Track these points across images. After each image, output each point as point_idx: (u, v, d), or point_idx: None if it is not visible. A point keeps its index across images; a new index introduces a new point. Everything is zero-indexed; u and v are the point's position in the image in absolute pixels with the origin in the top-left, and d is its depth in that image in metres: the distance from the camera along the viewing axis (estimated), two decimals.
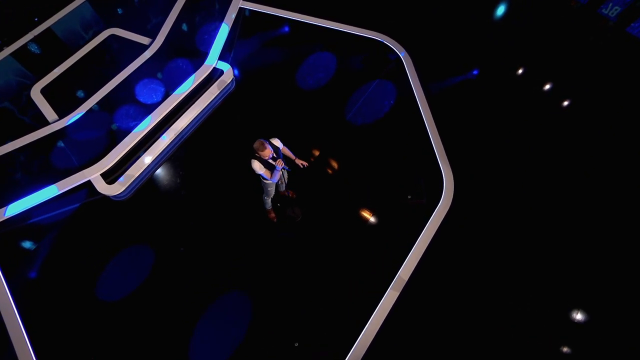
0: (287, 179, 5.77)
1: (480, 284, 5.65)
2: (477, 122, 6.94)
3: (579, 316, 5.32)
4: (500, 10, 7.93)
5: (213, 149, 7.02)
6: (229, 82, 7.74)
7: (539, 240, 5.91)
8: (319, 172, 6.65)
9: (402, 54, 7.65)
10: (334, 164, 6.66)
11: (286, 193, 6.32)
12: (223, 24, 8.56)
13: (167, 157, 7.07)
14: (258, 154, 4.69)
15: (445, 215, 6.04)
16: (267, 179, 5.11)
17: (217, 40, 8.23)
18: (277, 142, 4.92)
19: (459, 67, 7.56)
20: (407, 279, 5.68)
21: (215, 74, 7.88)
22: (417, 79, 7.47)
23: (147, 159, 7.01)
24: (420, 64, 7.61)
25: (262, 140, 4.59)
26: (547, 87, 7.21)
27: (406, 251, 5.84)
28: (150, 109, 7.46)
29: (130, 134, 7.20)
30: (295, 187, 6.51)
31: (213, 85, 7.67)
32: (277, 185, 6.06)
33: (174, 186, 6.72)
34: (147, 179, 6.88)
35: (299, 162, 5.12)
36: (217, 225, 6.38)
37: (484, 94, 7.32)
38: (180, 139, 7.19)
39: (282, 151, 5.08)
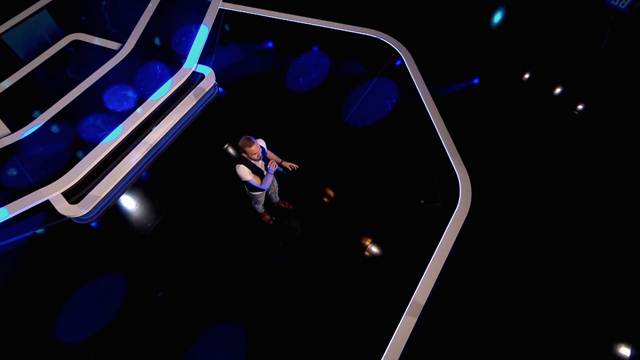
0: (279, 185, 5.25)
1: (510, 307, 5.06)
2: (486, 119, 6.57)
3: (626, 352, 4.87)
4: (498, 17, 7.92)
5: (193, 164, 6.47)
6: (210, 87, 7.24)
7: (573, 252, 5.36)
8: (319, 179, 6.15)
9: (401, 52, 7.37)
10: (334, 170, 6.17)
11: (282, 204, 5.78)
12: (202, 25, 8.12)
13: (141, 173, 6.51)
14: (245, 154, 4.18)
15: (465, 221, 5.54)
16: (256, 188, 4.60)
17: (196, 42, 7.74)
18: (262, 143, 4.44)
19: (463, 67, 7.22)
20: (424, 303, 5.20)
21: (195, 78, 7.36)
22: (420, 75, 7.07)
23: (117, 175, 6.37)
24: (421, 61, 7.23)
25: (247, 136, 4.10)
26: (558, 90, 6.83)
27: (421, 268, 5.29)
28: (120, 118, 6.88)
29: (97, 146, 6.56)
30: (291, 197, 5.93)
31: (193, 91, 7.12)
32: (267, 196, 5.53)
33: (149, 206, 6.13)
34: (117, 199, 6.28)
35: (287, 164, 4.60)
36: (201, 250, 5.72)
37: (491, 90, 6.97)
38: (155, 153, 6.61)
39: (267, 154, 4.60)
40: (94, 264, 5.73)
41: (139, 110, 6.93)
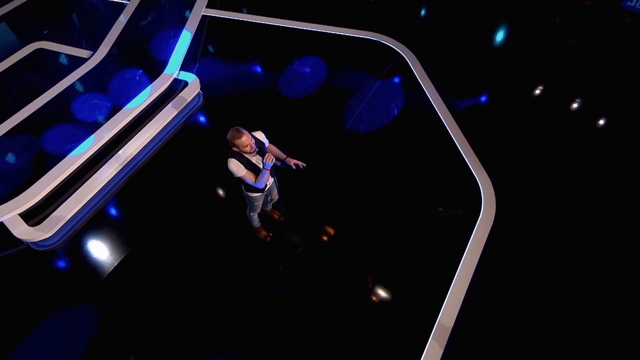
0: (279, 192, 4.70)
1: (549, 328, 4.50)
2: (500, 121, 6.29)
3: None
4: (500, 36, 7.95)
5: (175, 180, 5.93)
6: (194, 95, 6.83)
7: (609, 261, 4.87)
8: (322, 187, 5.66)
9: (405, 55, 7.16)
10: (340, 178, 5.74)
11: (274, 213, 5.33)
12: (184, 31, 7.79)
13: (115, 192, 5.92)
14: (235, 148, 3.88)
15: (491, 230, 5.08)
16: (252, 187, 4.24)
17: (178, 47, 7.38)
18: (260, 136, 4.11)
19: (470, 74, 7.05)
20: (451, 325, 4.74)
21: (177, 86, 6.92)
22: (427, 77, 6.78)
23: (86, 193, 5.78)
24: (428, 65, 7.01)
25: (236, 127, 3.80)
26: (576, 102, 6.60)
27: (446, 284, 4.75)
28: (91, 129, 6.33)
29: (64, 160, 5.92)
30: (292, 207, 5.39)
31: (174, 100, 6.68)
32: (265, 200, 5.05)
33: (124, 229, 5.52)
34: (86, 221, 5.65)
35: (292, 161, 4.23)
36: (185, 277, 5.04)
37: (504, 96, 6.72)
38: (132, 168, 6.10)
39: (268, 149, 4.26)
40: (57, 298, 4.96)
41: (113, 120, 6.37)
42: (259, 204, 4.67)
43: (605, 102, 6.45)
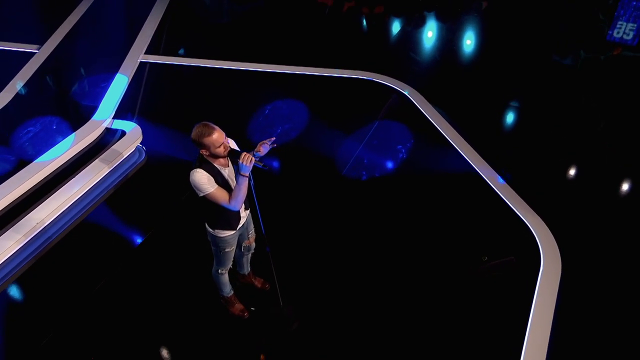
0: (262, 227, 3.76)
1: None
2: (536, 153, 5.99)
3: None
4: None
5: (106, 259, 4.80)
6: (133, 149, 5.97)
7: None
8: (321, 242, 4.90)
9: (406, 92, 7.02)
10: (343, 231, 5.03)
11: (253, 279, 4.42)
12: (119, 75, 7.20)
13: (19, 272, 4.72)
14: (204, 150, 3.21)
15: (561, 283, 4.38)
16: (222, 222, 3.55)
17: (111, 92, 6.73)
18: (233, 145, 3.51)
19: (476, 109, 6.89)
20: None
21: (110, 137, 6.10)
22: (436, 112, 6.50)
23: None
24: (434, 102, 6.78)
25: (204, 122, 3.21)
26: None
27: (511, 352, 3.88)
28: None
29: None
30: (281, 253, 4.40)
31: (106, 153, 5.76)
32: (236, 259, 4.12)
33: (34, 319, 4.33)
34: None
35: (260, 148, 3.57)
36: None
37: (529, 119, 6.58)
38: (44, 242, 5.01)
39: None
40: None
41: (18, 175, 5.33)
42: (231, 250, 3.70)
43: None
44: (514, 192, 5.27)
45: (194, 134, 3.13)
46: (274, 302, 4.02)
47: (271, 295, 4.13)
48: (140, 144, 6.06)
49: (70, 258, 4.79)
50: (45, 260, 4.79)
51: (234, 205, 3.26)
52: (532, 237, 4.85)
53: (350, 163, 5.76)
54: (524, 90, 7.26)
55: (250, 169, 3.13)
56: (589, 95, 7.14)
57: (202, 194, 3.22)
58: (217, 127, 3.15)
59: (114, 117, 6.41)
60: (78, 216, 5.19)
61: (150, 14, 8.76)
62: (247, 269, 4.24)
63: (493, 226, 5.00)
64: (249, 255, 4.14)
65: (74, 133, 5.88)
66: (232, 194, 3.26)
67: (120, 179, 5.65)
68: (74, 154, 5.71)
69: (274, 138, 3.44)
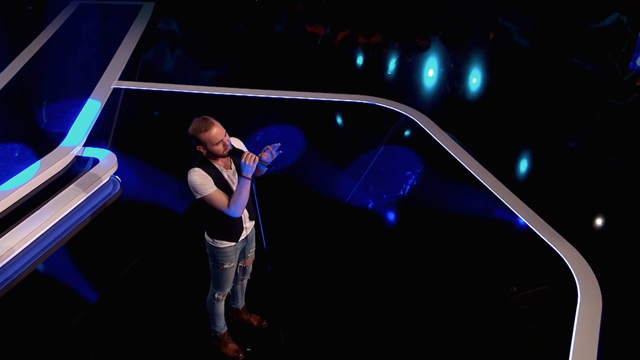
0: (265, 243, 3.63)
1: None
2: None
3: None
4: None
5: (68, 309, 4.24)
6: (106, 179, 5.63)
7: None
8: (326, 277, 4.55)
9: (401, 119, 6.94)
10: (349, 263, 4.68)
11: (247, 316, 4.12)
12: (90, 100, 6.95)
13: None
14: (201, 148, 3.08)
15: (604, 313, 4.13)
16: (222, 230, 3.36)
17: (81, 118, 6.46)
18: (238, 143, 3.42)
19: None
20: None
21: (81, 167, 5.75)
22: (448, 137, 6.38)
23: None
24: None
25: (203, 116, 3.10)
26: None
27: None
28: None
29: None
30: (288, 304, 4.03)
31: (75, 183, 5.37)
32: (232, 289, 3.84)
33: None
34: None
35: (265, 155, 3.31)
36: None
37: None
38: (2, 283, 4.52)
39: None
40: None
41: None
42: (230, 268, 3.44)
43: None
44: (540, 218, 5.10)
45: (191, 128, 3.01)
46: (273, 340, 3.78)
47: (270, 332, 3.86)
48: (115, 174, 5.62)
49: (31, 301, 4.38)
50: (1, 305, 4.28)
51: (233, 211, 3.10)
52: (564, 264, 4.69)
53: (355, 190, 5.50)
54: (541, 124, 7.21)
55: (254, 169, 3.00)
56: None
57: (199, 196, 3.10)
58: (217, 122, 3.03)
59: (86, 145, 5.99)
60: (41, 255, 4.75)
61: (125, 37, 8.55)
62: (241, 301, 3.97)
63: (520, 255, 4.83)
64: (245, 283, 3.85)
65: (39, 161, 5.48)
66: (232, 197, 3.12)
67: (92, 212, 5.23)
68: (38, 184, 5.28)
69: (280, 143, 3.23)
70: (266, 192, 3.51)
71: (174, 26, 9.91)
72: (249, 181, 3.02)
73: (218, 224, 3.28)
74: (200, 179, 3.06)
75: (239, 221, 3.22)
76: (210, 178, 3.09)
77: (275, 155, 3.16)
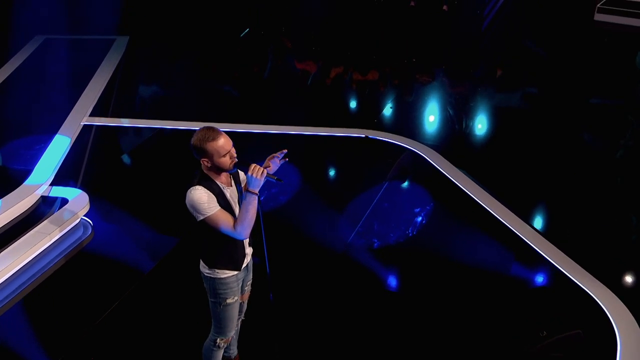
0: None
1: None
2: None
3: None
4: None
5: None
6: (75, 221, 5.28)
7: None
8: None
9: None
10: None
11: None
12: (58, 136, 6.68)
13: None
14: (205, 160, 2.90)
15: None
16: (224, 256, 3.12)
17: (48, 155, 6.14)
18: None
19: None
20: None
21: (47, 208, 5.39)
22: (458, 172, 6.22)
23: None
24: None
25: (208, 126, 2.96)
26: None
27: None
28: None
29: None
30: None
31: (40, 226, 5.00)
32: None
33: None
34: None
35: (269, 163, 3.20)
36: None
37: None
38: None
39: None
40: None
41: None
42: (234, 303, 3.19)
43: None
44: (570, 259, 4.92)
45: (196, 138, 2.85)
46: None
47: None
48: (86, 215, 5.24)
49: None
50: None
51: (239, 232, 2.90)
52: (597, 306, 4.49)
53: (358, 228, 5.24)
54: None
55: (262, 183, 2.80)
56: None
57: (201, 217, 2.88)
58: (223, 133, 2.89)
59: (53, 184, 5.65)
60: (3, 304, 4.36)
61: (97, 72, 8.31)
62: (234, 349, 3.70)
63: (548, 298, 4.65)
64: (239, 322, 3.51)
65: None
66: (238, 217, 2.94)
67: (59, 258, 4.89)
68: None
69: (286, 151, 3.07)
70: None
71: (150, 61, 9.68)
72: (256, 197, 2.81)
73: (219, 251, 3.05)
74: (202, 198, 2.84)
75: (240, 247, 3.03)
76: (214, 196, 2.88)
77: (280, 164, 3.03)
